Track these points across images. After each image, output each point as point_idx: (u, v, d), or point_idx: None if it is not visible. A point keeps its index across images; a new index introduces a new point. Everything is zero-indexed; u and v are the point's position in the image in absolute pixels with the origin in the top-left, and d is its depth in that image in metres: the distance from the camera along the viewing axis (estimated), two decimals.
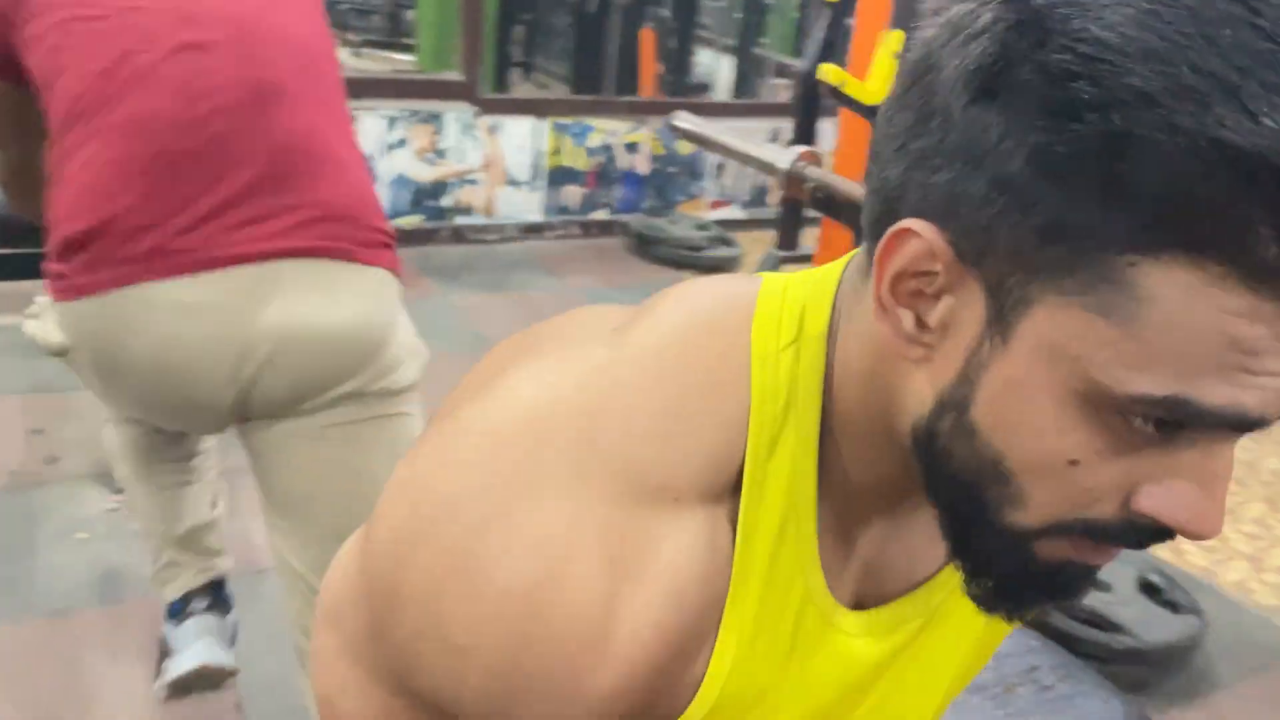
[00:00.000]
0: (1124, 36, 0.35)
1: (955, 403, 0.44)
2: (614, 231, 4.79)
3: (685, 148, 4.87)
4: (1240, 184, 0.34)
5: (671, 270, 4.46)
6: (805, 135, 3.98)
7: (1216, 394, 0.37)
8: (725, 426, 0.49)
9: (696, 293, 0.54)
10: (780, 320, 0.51)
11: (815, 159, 1.64)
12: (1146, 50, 0.35)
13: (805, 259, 4.41)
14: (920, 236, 0.42)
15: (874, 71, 1.52)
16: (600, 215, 4.78)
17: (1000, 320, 0.41)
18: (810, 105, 4.03)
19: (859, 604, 0.55)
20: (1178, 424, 0.39)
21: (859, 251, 0.52)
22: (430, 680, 0.50)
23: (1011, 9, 0.39)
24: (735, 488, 0.49)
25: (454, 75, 4.38)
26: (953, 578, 0.56)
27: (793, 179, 1.63)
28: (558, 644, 0.46)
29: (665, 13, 6.03)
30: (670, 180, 4.89)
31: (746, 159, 1.78)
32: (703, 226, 4.65)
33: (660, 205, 4.89)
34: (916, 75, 0.44)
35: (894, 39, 1.46)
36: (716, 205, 5.07)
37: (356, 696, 0.57)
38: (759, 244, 4.95)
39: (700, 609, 0.49)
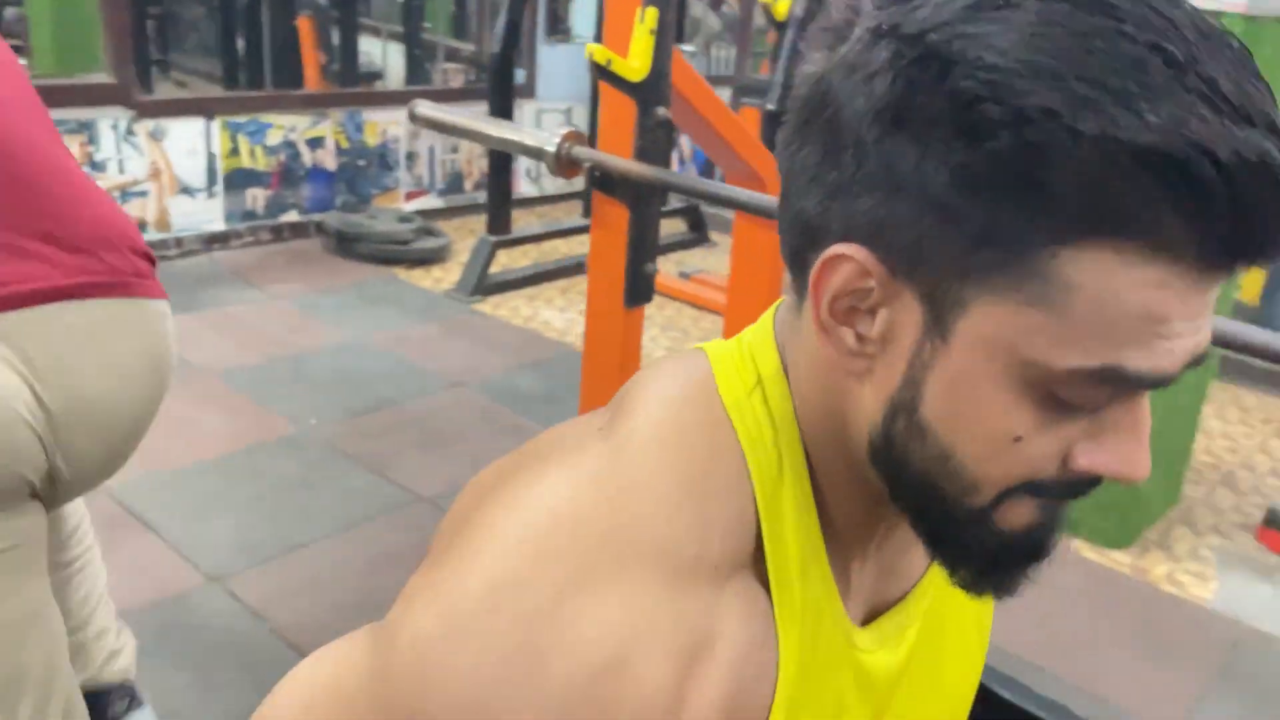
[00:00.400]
0: (1017, 60, 0.40)
1: (905, 405, 0.47)
2: (309, 233, 4.53)
3: (372, 139, 4.68)
4: (1139, 175, 0.39)
5: (379, 266, 4.30)
6: (503, 116, 3.97)
7: (1140, 359, 0.43)
8: (734, 488, 0.51)
9: (658, 378, 0.55)
10: (738, 372, 0.53)
11: (580, 139, 1.65)
12: (1038, 69, 0.40)
13: (520, 241, 4.41)
14: (852, 259, 0.45)
15: (634, 49, 1.55)
16: (291, 217, 4.49)
17: (938, 324, 0.45)
18: (505, 87, 4.03)
19: (864, 623, 0.57)
20: (1108, 389, 0.45)
21: (785, 295, 0.55)
22: None
23: (907, 46, 0.43)
24: (756, 545, 0.51)
25: (102, 78, 3.91)
26: (935, 579, 0.60)
27: (563, 160, 1.63)
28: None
29: (322, 0, 5.74)
30: (361, 174, 4.69)
31: (506, 144, 1.75)
32: (406, 219, 4.51)
33: (354, 201, 4.68)
34: (814, 111, 0.47)
35: (650, 15, 1.50)
36: (412, 196, 4.94)
37: None
38: (464, 231, 4.89)
39: (759, 673, 0.49)
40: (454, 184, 5.10)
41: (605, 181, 1.60)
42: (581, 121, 5.35)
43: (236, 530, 2.38)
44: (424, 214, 4.76)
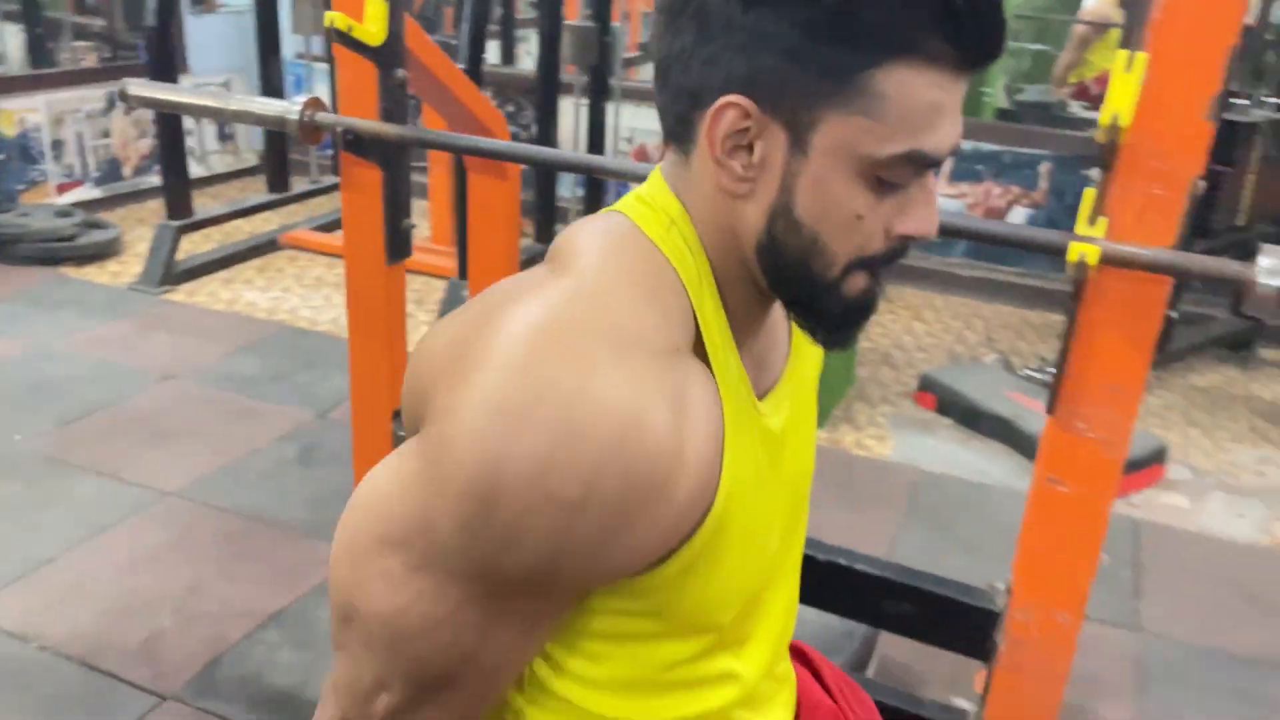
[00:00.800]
0: None
1: (782, 209, 0.67)
2: None
3: (9, 129, 4.22)
4: (917, 11, 0.62)
5: (43, 268, 3.93)
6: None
7: (929, 142, 0.64)
8: (675, 295, 0.69)
9: (590, 230, 0.72)
10: (653, 216, 0.71)
11: (321, 105, 1.71)
12: None
13: (203, 224, 4.19)
14: (735, 105, 0.65)
15: (370, 15, 1.63)
16: None
17: (799, 143, 0.65)
18: (167, 62, 3.81)
19: (760, 396, 0.77)
20: (918, 163, 0.66)
21: (669, 156, 0.73)
22: (530, 555, 0.62)
23: None
24: (695, 337, 0.69)
25: None
26: (793, 366, 0.81)
27: (307, 127, 1.68)
28: (651, 467, 0.62)
29: None
30: (1, 168, 4.22)
31: (240, 116, 1.76)
32: (64, 213, 4.13)
33: None
34: (679, 8, 0.66)
35: None
36: (65, 188, 4.51)
37: (431, 602, 0.65)
38: (131, 221, 4.56)
39: (719, 423, 0.68)
40: (111, 172, 4.71)
41: (357, 144, 1.67)
42: (243, 91, 5.12)
43: None
44: (83, 206, 4.38)
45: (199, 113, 1.80)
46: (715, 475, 0.67)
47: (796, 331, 0.83)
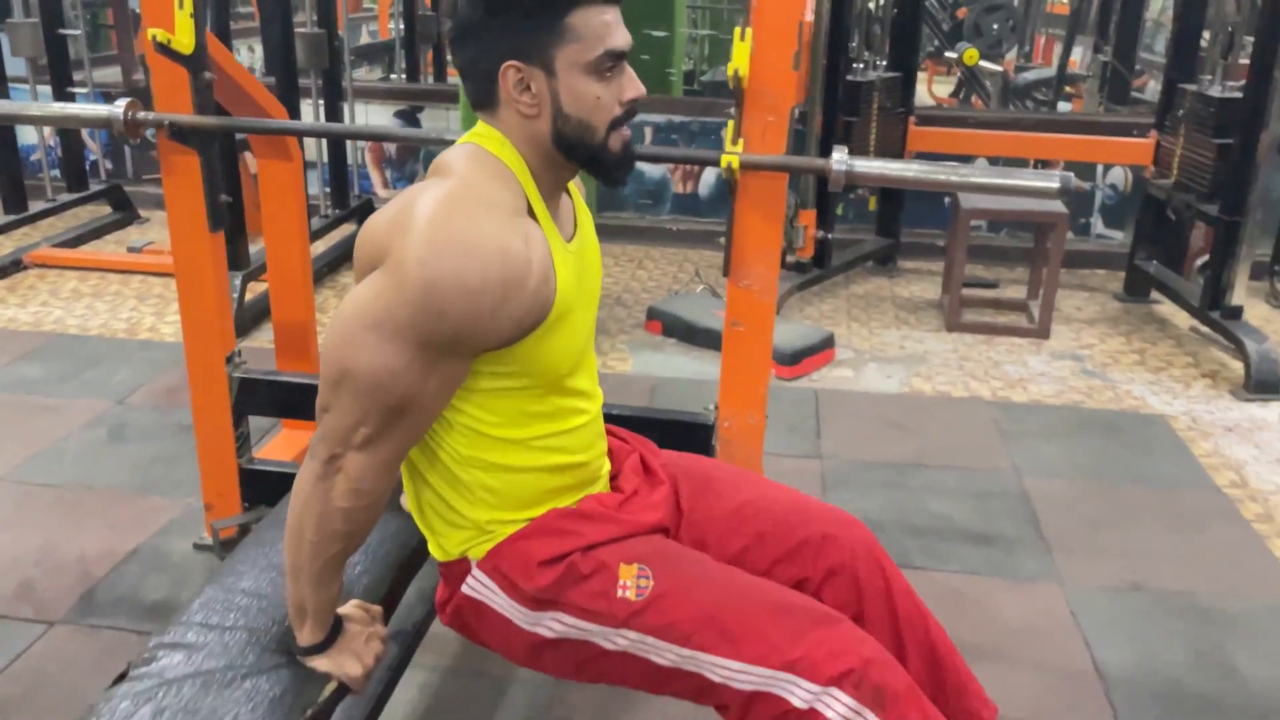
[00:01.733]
0: None
1: (557, 112, 1.20)
2: None
3: None
4: None
5: None
6: None
7: (614, 42, 1.18)
8: (513, 181, 1.23)
9: (456, 154, 1.24)
10: (489, 142, 1.25)
11: (139, 106, 2.07)
12: None
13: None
14: (511, 66, 1.21)
15: (180, 29, 2.02)
16: None
17: (550, 72, 1.18)
18: None
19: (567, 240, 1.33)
20: (613, 59, 1.21)
21: (481, 118, 1.28)
22: (454, 322, 1.11)
23: None
24: (527, 206, 1.24)
25: None
26: (580, 222, 1.37)
27: (131, 125, 2.05)
28: (515, 269, 1.15)
29: None
30: None
31: (68, 120, 2.08)
32: None
33: None
34: (462, 34, 1.23)
35: (188, 3, 1.99)
36: None
37: (394, 359, 1.14)
38: None
39: (547, 249, 1.23)
40: None
41: (178, 134, 2.05)
42: None
43: None
44: None
45: (24, 121, 2.11)
46: (552, 278, 1.22)
47: (579, 208, 1.40)
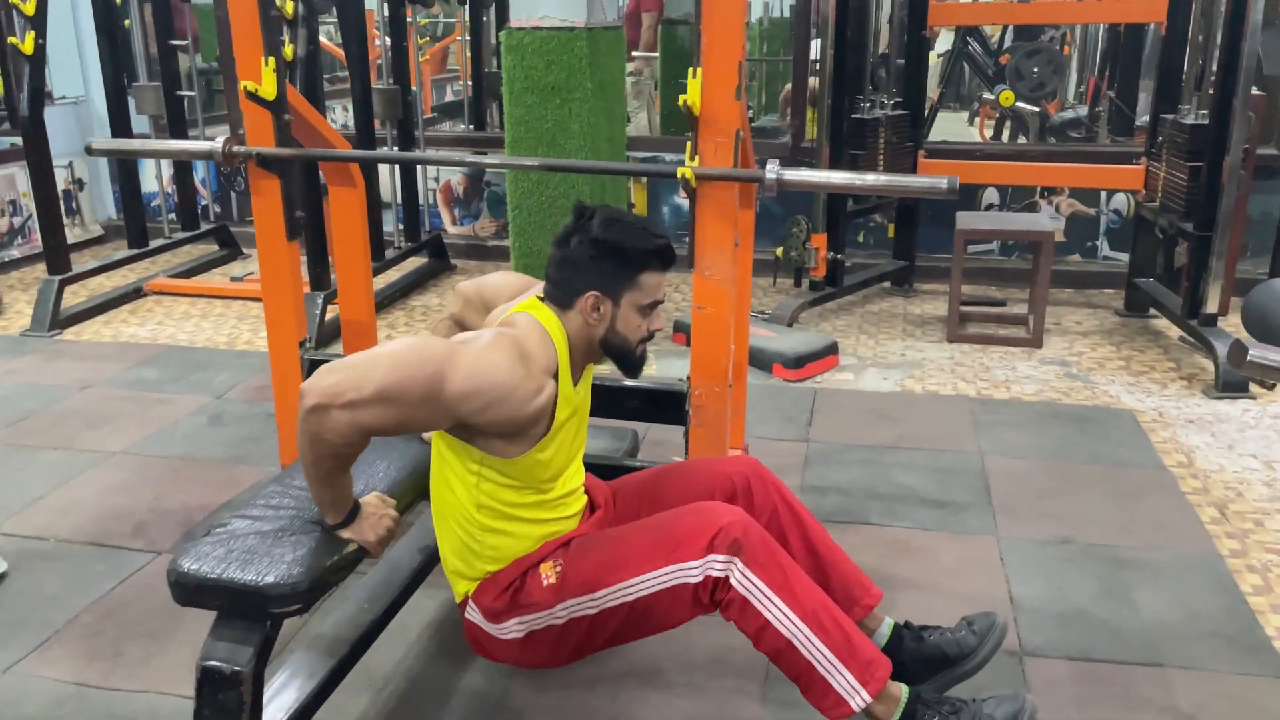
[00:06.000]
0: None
1: (611, 330, 1.85)
2: None
3: None
4: (648, 257, 1.84)
5: None
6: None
7: (659, 295, 1.88)
8: (551, 348, 1.81)
9: (521, 316, 1.83)
10: (545, 319, 1.84)
11: (237, 141, 2.66)
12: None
13: (81, 277, 4.89)
14: (594, 295, 1.82)
15: (265, 80, 2.62)
16: None
17: (617, 304, 1.84)
18: (43, 146, 4.55)
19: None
20: (654, 305, 1.87)
21: (547, 297, 1.89)
22: (453, 399, 1.66)
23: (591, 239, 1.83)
24: (555, 369, 1.82)
25: None
26: (583, 380, 1.94)
27: (228, 155, 2.63)
28: (521, 394, 1.71)
29: None
30: None
31: (183, 154, 2.68)
32: None
33: None
34: (564, 258, 1.85)
35: (271, 61, 2.58)
36: None
37: (419, 383, 1.66)
38: (1, 289, 5.17)
39: (555, 395, 1.79)
40: None
41: (263, 162, 2.63)
42: (83, 172, 5.85)
43: None
44: None
45: (150, 155, 2.72)
46: (548, 420, 1.79)
47: (588, 373, 1.97)
